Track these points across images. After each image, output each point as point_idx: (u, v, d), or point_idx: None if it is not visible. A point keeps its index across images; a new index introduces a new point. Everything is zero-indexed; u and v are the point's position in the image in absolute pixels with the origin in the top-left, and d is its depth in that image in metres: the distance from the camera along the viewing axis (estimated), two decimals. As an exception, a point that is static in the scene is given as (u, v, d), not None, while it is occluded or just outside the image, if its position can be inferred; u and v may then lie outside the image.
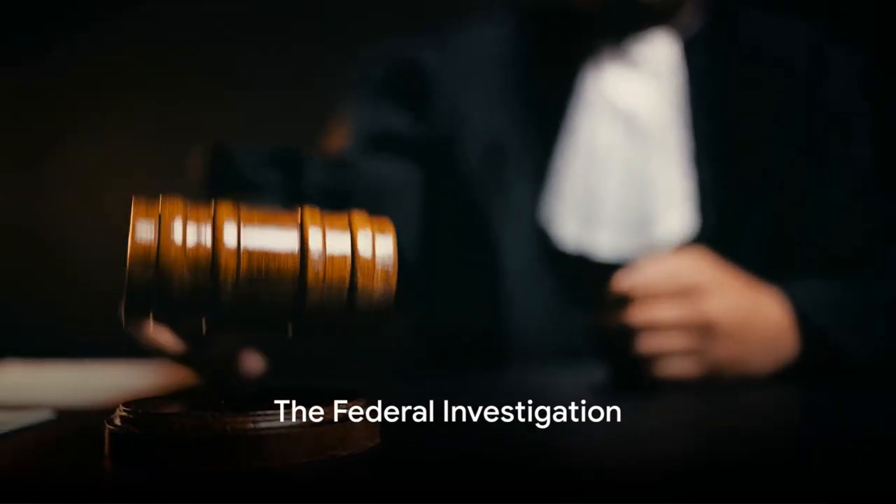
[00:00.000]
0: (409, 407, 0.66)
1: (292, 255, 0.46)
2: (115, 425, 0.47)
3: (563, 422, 0.63)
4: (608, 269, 0.85)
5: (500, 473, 0.43)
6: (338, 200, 0.93)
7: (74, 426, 0.60)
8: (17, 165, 1.76)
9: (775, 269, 0.90)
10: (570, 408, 0.71)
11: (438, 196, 1.00)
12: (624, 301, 0.76)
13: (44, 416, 0.61)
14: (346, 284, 0.47)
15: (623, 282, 0.77)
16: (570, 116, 0.98)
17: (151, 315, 0.46)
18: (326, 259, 0.47)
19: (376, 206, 0.95)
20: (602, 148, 0.96)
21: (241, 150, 0.89)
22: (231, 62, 1.66)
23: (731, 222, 0.95)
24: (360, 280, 0.47)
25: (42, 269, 1.70)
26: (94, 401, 0.71)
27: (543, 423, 0.61)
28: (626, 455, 0.48)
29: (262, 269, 0.46)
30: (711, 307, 0.75)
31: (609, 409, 0.69)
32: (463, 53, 1.03)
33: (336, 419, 0.47)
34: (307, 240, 0.47)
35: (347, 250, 0.47)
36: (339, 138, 1.02)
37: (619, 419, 0.64)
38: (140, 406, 0.48)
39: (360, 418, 0.48)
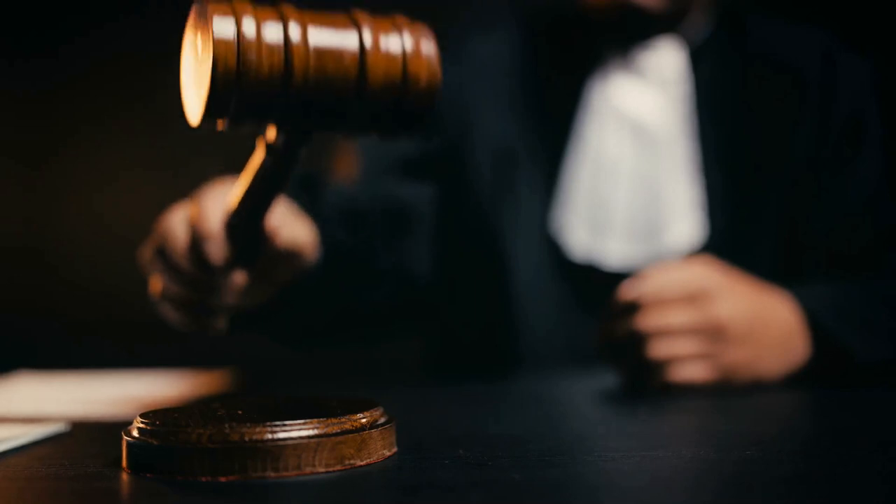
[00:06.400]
0: (425, 416, 0.67)
1: (353, 38, 0.51)
2: (133, 436, 0.48)
3: (575, 429, 0.63)
4: (618, 278, 0.85)
5: (514, 482, 0.43)
6: (357, 219, 0.94)
7: (90, 438, 0.60)
8: (22, 178, 1.76)
9: (784, 273, 0.90)
10: (582, 415, 0.71)
11: (449, 205, 1.00)
12: (633, 308, 0.76)
13: (58, 428, 0.61)
14: (401, 56, 0.52)
15: (631, 289, 0.77)
16: (578, 125, 0.98)
17: (232, 108, 0.50)
18: (381, 40, 0.51)
19: (393, 225, 0.96)
20: (610, 157, 0.96)
21: None
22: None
23: (740, 229, 0.96)
24: (410, 52, 0.52)
25: (52, 281, 1.70)
26: (108, 413, 0.71)
27: (556, 430, 0.61)
28: (638, 461, 0.48)
29: (328, 49, 0.50)
30: (721, 311, 0.75)
31: (621, 415, 0.69)
32: (472, 61, 1.03)
33: (353, 429, 0.47)
34: (362, 29, 0.51)
35: (398, 37, 0.52)
36: (350, 158, 1.02)
37: (630, 425, 0.64)
38: (157, 417, 0.48)
39: (377, 428, 0.48)
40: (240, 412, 0.49)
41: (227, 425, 0.45)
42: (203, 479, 0.45)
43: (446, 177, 1.00)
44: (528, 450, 0.51)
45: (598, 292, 0.86)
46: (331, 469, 0.46)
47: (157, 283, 0.72)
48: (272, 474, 0.45)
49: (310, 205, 0.86)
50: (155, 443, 0.46)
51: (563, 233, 0.97)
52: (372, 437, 0.48)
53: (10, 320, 1.63)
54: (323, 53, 0.50)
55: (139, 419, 0.48)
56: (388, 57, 0.51)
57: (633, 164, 0.96)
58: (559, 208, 0.97)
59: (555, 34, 1.03)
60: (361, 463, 0.47)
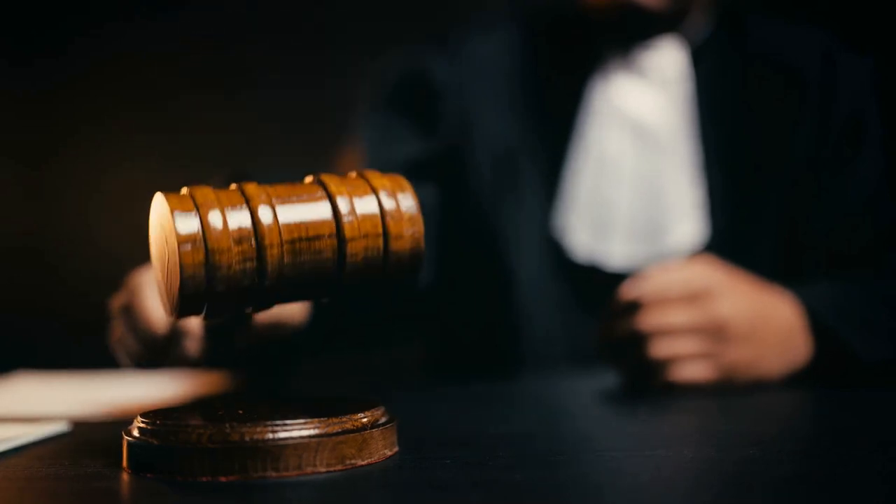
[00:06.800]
0: (426, 415, 0.67)
1: (327, 220, 0.48)
2: (133, 436, 0.47)
3: (577, 429, 0.63)
4: (619, 278, 0.85)
5: (515, 482, 0.43)
6: None
7: (90, 438, 0.60)
8: (22, 178, 1.76)
9: (785, 273, 0.90)
10: (583, 415, 0.71)
11: (451, 206, 1.00)
12: (634, 307, 0.76)
13: (59, 428, 0.61)
14: (380, 234, 0.48)
15: (632, 289, 0.77)
16: (579, 126, 0.98)
17: (204, 312, 0.47)
18: (358, 218, 0.48)
19: None
20: (612, 157, 0.96)
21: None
22: (241, 67, 1.67)
23: (741, 229, 0.95)
24: (392, 227, 0.49)
25: (52, 281, 1.70)
26: (109, 412, 0.71)
27: (557, 430, 0.61)
28: (640, 461, 0.48)
29: (302, 238, 0.47)
30: (723, 310, 0.75)
31: (622, 415, 0.69)
32: (472, 62, 1.03)
33: (354, 428, 0.47)
34: (336, 201, 0.48)
35: (375, 203, 0.49)
36: (354, 167, 1.02)
37: (631, 425, 0.64)
38: (158, 417, 0.48)
39: (378, 427, 0.48)
40: (240, 412, 0.49)
41: (227, 425, 0.45)
42: (203, 479, 0.45)
43: (447, 178, 1.00)
44: (530, 450, 0.51)
45: (599, 293, 0.86)
46: (332, 469, 0.46)
47: (117, 330, 0.72)
48: (273, 474, 0.45)
49: None
50: (155, 443, 0.46)
51: (565, 233, 0.96)
52: (373, 437, 0.48)
53: (10, 320, 1.63)
54: (297, 247, 0.47)
55: (140, 419, 0.48)
56: (367, 237, 0.48)
57: (635, 165, 0.96)
58: (561, 209, 0.97)
59: (555, 34, 1.03)
60: (362, 463, 0.47)
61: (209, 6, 1.68)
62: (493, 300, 0.99)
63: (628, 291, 0.77)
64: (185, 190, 0.47)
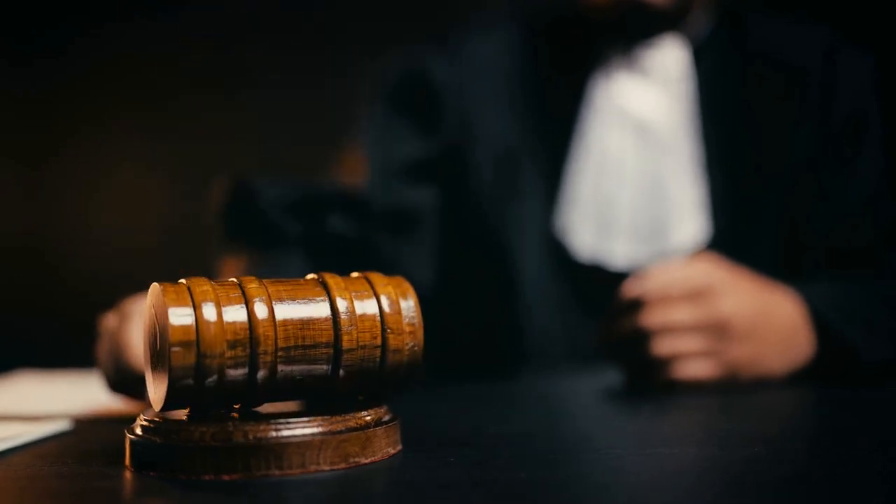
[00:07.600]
0: (428, 414, 0.67)
1: (326, 329, 0.47)
2: (136, 434, 0.47)
3: (579, 428, 0.63)
4: (621, 278, 0.85)
5: (518, 480, 0.43)
6: (358, 242, 0.94)
7: (92, 436, 0.60)
8: (22, 178, 1.76)
9: (787, 272, 0.90)
10: (585, 414, 0.71)
11: (452, 206, 1.00)
12: (637, 305, 0.76)
13: (60, 426, 0.61)
14: (379, 346, 0.49)
15: (635, 286, 0.77)
16: (580, 125, 0.98)
17: (193, 408, 0.47)
18: (358, 329, 0.48)
19: (397, 238, 0.96)
20: (614, 156, 0.96)
21: (263, 190, 0.90)
22: (241, 67, 1.67)
23: (743, 227, 0.95)
24: (391, 340, 0.49)
25: (52, 281, 1.70)
26: (110, 411, 0.71)
27: (559, 429, 0.61)
28: (642, 459, 0.48)
29: (298, 346, 0.47)
30: (725, 307, 0.75)
31: (624, 413, 0.69)
32: (472, 61, 1.03)
33: (357, 426, 0.47)
34: (337, 308, 0.48)
35: (376, 314, 0.49)
36: (355, 167, 1.03)
37: (634, 423, 0.64)
38: (160, 415, 0.48)
39: (381, 426, 0.48)
40: (243, 410, 0.49)
41: (230, 423, 0.45)
42: (206, 478, 0.44)
43: (448, 177, 1.00)
44: (531, 449, 0.51)
45: (600, 292, 0.86)
46: (335, 467, 0.46)
47: (100, 350, 0.71)
48: (276, 472, 0.45)
49: (308, 230, 0.86)
50: (158, 441, 0.46)
51: (567, 233, 0.96)
52: (376, 435, 0.48)
53: (10, 320, 1.63)
54: (292, 354, 0.46)
55: (142, 417, 0.48)
56: (365, 348, 0.48)
57: (637, 164, 0.96)
58: (563, 209, 0.97)
59: (555, 34, 1.03)
60: (366, 461, 0.47)
61: (209, 6, 1.68)
62: (494, 300, 0.99)
63: (630, 289, 0.77)
64: (183, 281, 0.47)
